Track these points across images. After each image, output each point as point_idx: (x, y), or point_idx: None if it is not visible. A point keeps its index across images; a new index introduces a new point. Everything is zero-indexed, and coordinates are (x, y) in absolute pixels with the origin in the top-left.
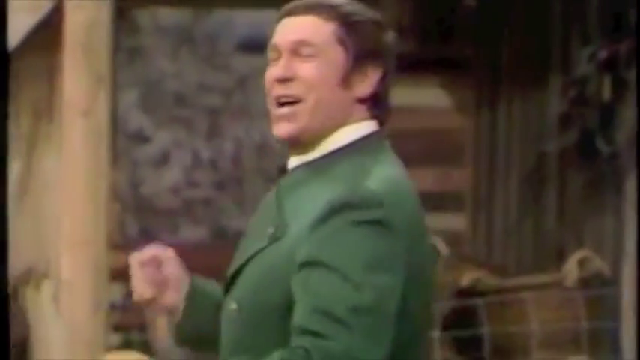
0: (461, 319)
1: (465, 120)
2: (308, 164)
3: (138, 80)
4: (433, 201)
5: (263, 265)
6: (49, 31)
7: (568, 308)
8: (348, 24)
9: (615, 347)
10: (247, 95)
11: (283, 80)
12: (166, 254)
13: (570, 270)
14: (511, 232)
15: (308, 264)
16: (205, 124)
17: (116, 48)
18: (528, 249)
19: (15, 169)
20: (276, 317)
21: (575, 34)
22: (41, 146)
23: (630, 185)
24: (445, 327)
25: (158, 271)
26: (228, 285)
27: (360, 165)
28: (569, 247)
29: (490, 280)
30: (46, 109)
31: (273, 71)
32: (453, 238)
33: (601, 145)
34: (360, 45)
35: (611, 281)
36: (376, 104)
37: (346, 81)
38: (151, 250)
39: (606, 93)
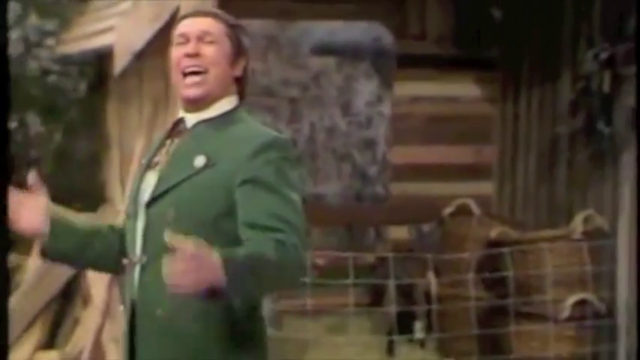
0: (490, 264)
1: (493, 107)
2: (206, 121)
3: None
4: (468, 171)
5: (200, 184)
6: (166, 38)
7: (575, 256)
8: (231, 26)
9: (612, 286)
10: (320, 88)
11: (192, 55)
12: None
13: (577, 225)
14: (530, 196)
15: (252, 182)
16: (287, 111)
17: None
18: (543, 209)
19: (138, 147)
20: (212, 222)
21: (582, 38)
22: (159, 129)
23: (626, 158)
24: (478, 270)
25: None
26: (155, 198)
27: (248, 122)
28: (576, 207)
29: (513, 234)
30: (164, 100)
31: (183, 49)
32: (483, 201)
33: (602, 127)
34: (238, 41)
35: (610, 234)
36: (242, 83)
37: (231, 64)
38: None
39: (606, 86)
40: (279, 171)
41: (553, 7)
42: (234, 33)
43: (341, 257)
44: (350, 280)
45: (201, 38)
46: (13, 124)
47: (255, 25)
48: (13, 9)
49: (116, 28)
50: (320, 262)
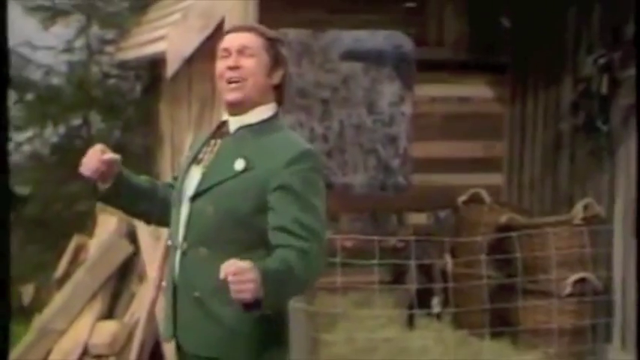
0: (500, 246)
1: (503, 107)
2: (248, 126)
3: None
4: (480, 164)
5: (238, 185)
6: (213, 45)
7: (576, 239)
8: (269, 40)
9: (609, 266)
10: (349, 90)
11: (233, 68)
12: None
13: (577, 212)
14: (535, 186)
15: (283, 188)
16: (319, 110)
17: None
18: (547, 198)
19: (187, 143)
20: (246, 219)
21: (582, 45)
22: (206, 127)
23: (621, 153)
24: (489, 252)
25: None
26: (199, 194)
27: (285, 132)
28: (576, 196)
29: (521, 219)
30: (210, 101)
31: (226, 62)
32: (494, 190)
33: (600, 125)
34: (276, 53)
35: (606, 220)
36: (280, 91)
37: (269, 74)
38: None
39: (604, 88)
40: (308, 180)
41: (557, 17)
42: (273, 46)
43: (367, 240)
44: (375, 261)
45: (241, 52)
46: (77, 122)
47: (291, 34)
48: (78, 20)
49: (168, 37)
50: (348, 244)
